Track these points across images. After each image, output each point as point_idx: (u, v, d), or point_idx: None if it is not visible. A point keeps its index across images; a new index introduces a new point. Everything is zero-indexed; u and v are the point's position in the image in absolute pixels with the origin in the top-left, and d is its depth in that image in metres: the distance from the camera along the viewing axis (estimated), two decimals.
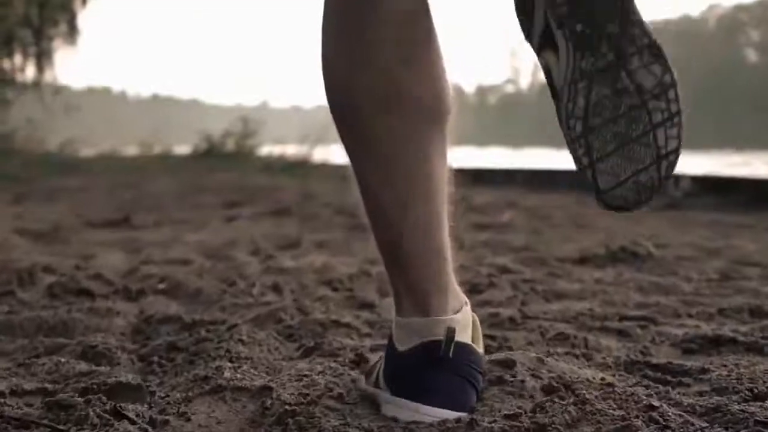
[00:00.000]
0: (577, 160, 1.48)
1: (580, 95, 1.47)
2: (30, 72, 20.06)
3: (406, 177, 1.57)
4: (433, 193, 1.58)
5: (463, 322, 1.59)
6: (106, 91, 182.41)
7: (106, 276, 3.01)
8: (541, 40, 1.50)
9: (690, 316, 2.50)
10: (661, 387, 1.73)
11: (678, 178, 7.72)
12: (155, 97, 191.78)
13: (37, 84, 19.78)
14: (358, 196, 1.63)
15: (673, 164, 1.47)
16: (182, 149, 18.76)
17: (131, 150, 19.73)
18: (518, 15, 1.52)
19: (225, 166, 13.60)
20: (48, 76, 20.38)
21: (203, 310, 2.47)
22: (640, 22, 1.45)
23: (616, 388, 1.63)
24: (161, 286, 2.76)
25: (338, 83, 1.58)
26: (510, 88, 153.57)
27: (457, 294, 1.63)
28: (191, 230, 5.32)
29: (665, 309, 2.55)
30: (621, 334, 2.26)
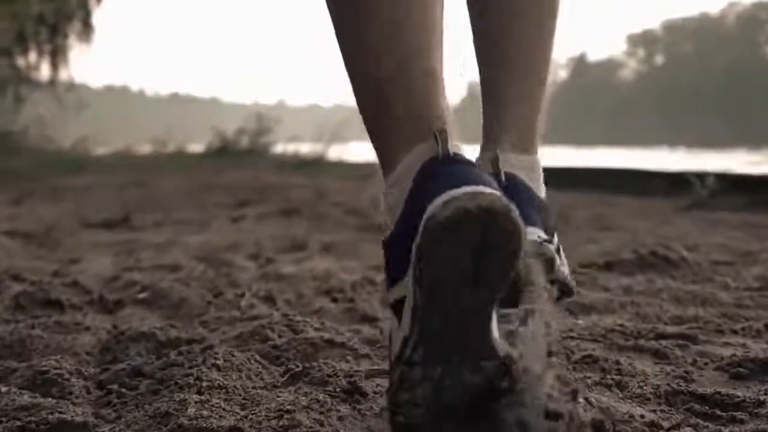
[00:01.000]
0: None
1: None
2: (45, 70, 19.92)
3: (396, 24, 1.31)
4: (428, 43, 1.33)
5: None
6: (124, 90, 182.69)
7: (83, 284, 2.73)
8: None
9: (734, 332, 2.19)
10: (711, 426, 1.45)
11: (702, 177, 7.42)
12: (174, 96, 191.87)
13: (51, 82, 19.65)
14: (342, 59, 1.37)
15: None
16: (197, 147, 18.60)
17: (145, 148, 19.59)
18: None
19: (238, 164, 13.36)
20: (63, 74, 20.25)
21: (182, 326, 2.18)
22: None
23: (660, 431, 1.34)
24: (141, 296, 2.46)
25: None
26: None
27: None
28: (193, 231, 5.05)
29: (706, 324, 2.24)
30: (657, 355, 1.96)
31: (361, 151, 13.39)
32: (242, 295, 2.40)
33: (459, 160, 1.23)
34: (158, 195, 8.01)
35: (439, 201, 1.14)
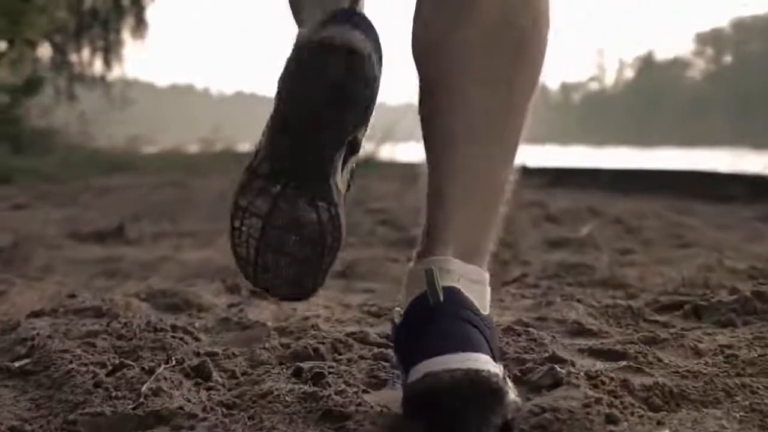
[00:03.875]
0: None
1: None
2: (98, 66, 19.51)
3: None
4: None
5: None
6: (188, 89, 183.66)
7: None
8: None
9: None
10: None
11: None
12: (238, 94, 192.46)
13: (103, 79, 19.26)
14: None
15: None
16: (248, 146, 18.05)
17: (194, 147, 19.10)
18: None
19: None
20: (116, 71, 19.88)
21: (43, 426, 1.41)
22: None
23: None
24: (21, 363, 1.69)
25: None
26: (594, 86, 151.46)
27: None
28: (197, 245, 4.33)
29: None
30: None
31: (412, 150, 12.69)
32: (151, 372, 1.57)
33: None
34: (187, 198, 7.33)
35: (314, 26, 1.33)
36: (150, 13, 31.01)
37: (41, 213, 5.81)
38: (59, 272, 3.44)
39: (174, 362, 1.59)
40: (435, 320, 1.34)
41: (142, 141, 18.56)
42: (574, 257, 3.73)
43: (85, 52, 19.53)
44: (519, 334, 1.78)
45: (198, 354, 1.71)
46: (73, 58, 19.35)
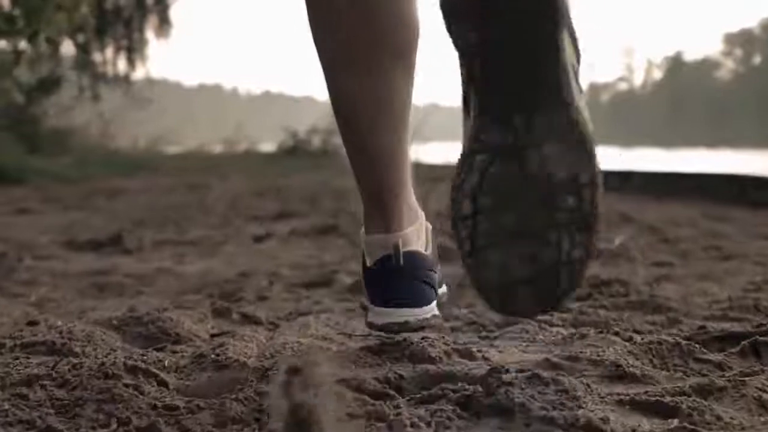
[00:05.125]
0: (459, 243, 1.36)
1: (475, 170, 1.31)
2: (122, 66, 19.34)
3: (375, 98, 1.70)
4: (398, 112, 1.73)
5: (415, 234, 1.82)
6: (216, 88, 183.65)
7: None
8: (463, 97, 1.39)
9: None
10: None
11: None
12: (266, 94, 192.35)
13: (126, 78, 19.07)
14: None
15: (574, 277, 1.29)
16: (270, 146, 17.82)
17: (217, 148, 18.91)
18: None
19: (306, 166, 12.41)
20: (140, 70, 19.74)
21: None
22: (569, 109, 1.27)
23: None
24: None
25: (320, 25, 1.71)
26: (623, 86, 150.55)
27: (415, 210, 1.86)
28: (200, 254, 4.04)
29: None
30: None
31: (437, 150, 12.38)
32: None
33: None
34: (201, 202, 7.05)
35: None
36: (177, 13, 30.85)
37: (43, 218, 5.54)
38: (43, 286, 3.15)
39: (116, 425, 1.28)
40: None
41: (164, 141, 18.39)
42: (606, 271, 3.40)
43: (109, 51, 19.35)
44: (547, 384, 1.46)
45: (154, 407, 1.40)
46: (97, 57, 19.16)
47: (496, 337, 2.06)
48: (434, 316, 1.78)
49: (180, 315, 2.20)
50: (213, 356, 1.73)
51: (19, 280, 3.27)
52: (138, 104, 16.85)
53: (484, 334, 2.16)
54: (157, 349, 1.88)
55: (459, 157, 1.35)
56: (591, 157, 1.29)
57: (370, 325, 1.80)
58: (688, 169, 10.50)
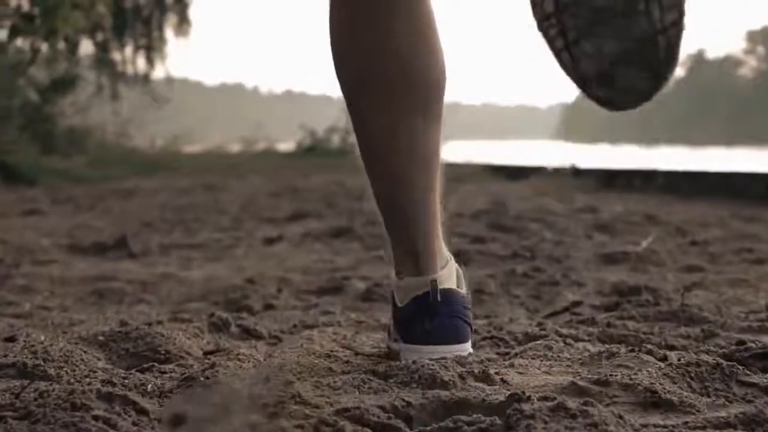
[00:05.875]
0: (549, 42, 1.35)
1: None
2: (141, 64, 19.25)
3: (407, 149, 1.71)
4: (429, 162, 1.73)
5: (448, 274, 1.78)
6: (238, 87, 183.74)
7: None
8: None
9: None
10: None
11: None
12: (288, 93, 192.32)
13: (146, 77, 19.00)
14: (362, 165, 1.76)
15: (673, 42, 1.28)
16: (289, 145, 17.69)
17: (235, 147, 18.80)
18: None
19: (325, 165, 12.26)
20: (159, 69, 19.67)
21: None
22: None
23: None
24: None
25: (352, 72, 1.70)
26: None
27: (444, 252, 1.81)
28: (205, 259, 3.87)
29: None
30: None
31: (459, 149, 12.23)
32: None
33: None
34: (214, 203, 6.89)
35: None
36: (199, 12, 30.78)
37: (49, 219, 5.39)
38: (39, 293, 2.99)
39: None
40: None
41: (183, 141, 18.30)
42: (634, 277, 3.23)
43: (128, 50, 19.25)
44: (574, 416, 1.28)
45: None
46: (116, 56, 19.06)
47: (516, 355, 1.87)
48: (470, 354, 1.77)
49: (174, 329, 2.02)
50: (202, 378, 1.56)
51: (15, 286, 3.11)
52: (156, 103, 16.73)
53: (503, 349, 1.98)
54: (143, 370, 1.71)
55: None
56: None
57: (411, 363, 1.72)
58: (713, 167, 10.29)
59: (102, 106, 16.19)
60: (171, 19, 19.85)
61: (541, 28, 1.34)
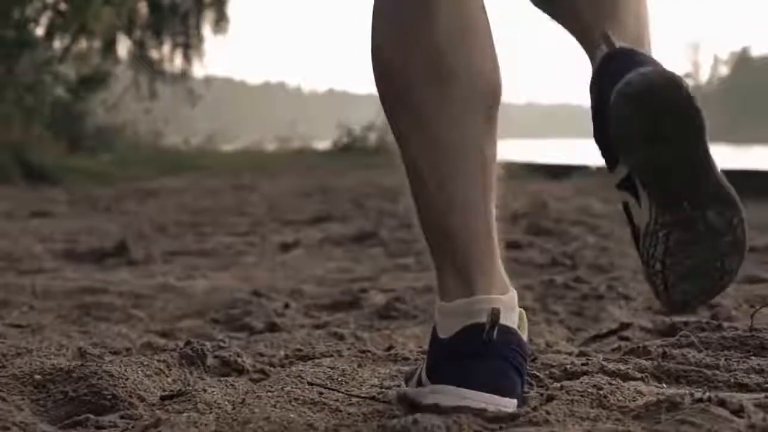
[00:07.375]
0: (652, 285, 1.51)
1: (660, 242, 1.49)
2: (178, 62, 19.06)
3: (454, 157, 1.52)
4: (481, 173, 1.53)
5: (509, 303, 1.51)
6: (281, 86, 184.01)
7: None
8: (621, 183, 1.52)
9: None
10: None
11: None
12: (330, 92, 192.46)
13: (183, 75, 18.82)
14: (405, 179, 1.55)
15: (730, 276, 1.51)
16: (325, 144, 17.42)
17: (271, 146, 18.56)
18: (600, 149, 1.54)
19: (360, 164, 11.95)
20: (197, 67, 19.53)
21: None
22: (716, 179, 1.47)
23: None
24: None
25: (392, 67, 1.53)
26: (689, 82, 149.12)
27: (503, 279, 1.55)
28: (212, 268, 3.54)
29: None
30: None
31: (513, 147, 11.90)
32: None
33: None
34: (239, 205, 6.58)
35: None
36: (240, 10, 30.63)
37: (55, 222, 5.09)
38: (16, 308, 2.66)
39: None
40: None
41: (219, 139, 18.10)
42: None
43: (166, 48, 19.08)
44: None
45: None
46: (153, 54, 18.90)
47: (552, 397, 1.49)
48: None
49: (135, 363, 1.65)
50: None
51: None
52: (191, 101, 16.55)
53: (537, 391, 1.61)
54: (74, 424, 1.35)
55: (642, 231, 1.51)
56: (736, 205, 1.47)
57: (429, 408, 1.38)
58: (761, 166, 9.86)
59: (135, 105, 15.99)
60: (209, 16, 19.66)
61: (648, 278, 1.53)
